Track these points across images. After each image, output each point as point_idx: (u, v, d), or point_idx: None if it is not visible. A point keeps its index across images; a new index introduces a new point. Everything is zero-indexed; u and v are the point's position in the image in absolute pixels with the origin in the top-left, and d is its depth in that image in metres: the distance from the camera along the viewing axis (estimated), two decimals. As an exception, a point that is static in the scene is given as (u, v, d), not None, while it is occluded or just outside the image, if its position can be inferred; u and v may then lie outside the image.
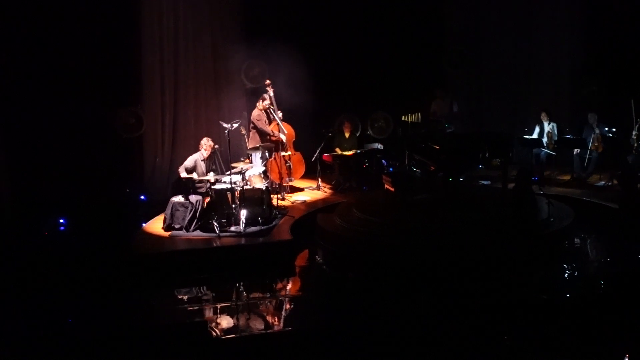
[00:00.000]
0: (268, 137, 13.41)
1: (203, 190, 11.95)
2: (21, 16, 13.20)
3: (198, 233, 11.45)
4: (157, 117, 14.80)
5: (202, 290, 10.16)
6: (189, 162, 11.92)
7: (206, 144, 12.04)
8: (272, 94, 13.63)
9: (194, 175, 11.84)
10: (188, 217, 11.50)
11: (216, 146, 12.59)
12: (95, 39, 13.89)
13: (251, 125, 13.42)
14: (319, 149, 14.42)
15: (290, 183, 14.16)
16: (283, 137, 13.67)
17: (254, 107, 13.67)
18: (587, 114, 14.52)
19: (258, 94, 13.80)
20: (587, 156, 14.27)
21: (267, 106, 13.50)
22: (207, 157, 12.07)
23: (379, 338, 7.85)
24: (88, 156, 14.00)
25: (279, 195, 13.34)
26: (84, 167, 13.89)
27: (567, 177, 14.60)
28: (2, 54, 12.98)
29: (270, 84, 13.70)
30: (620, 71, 14.94)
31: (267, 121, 13.54)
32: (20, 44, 13.22)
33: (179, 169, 11.94)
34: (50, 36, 13.48)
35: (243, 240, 11.16)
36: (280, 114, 13.69)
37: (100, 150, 14.22)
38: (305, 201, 13.67)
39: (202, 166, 11.98)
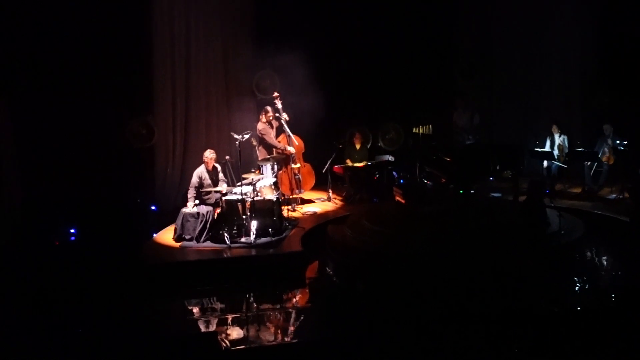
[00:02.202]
0: (278, 151, 13.45)
1: (211, 201, 11.97)
2: (33, 26, 13.25)
3: (208, 244, 11.45)
4: (169, 127, 14.82)
5: (212, 301, 10.17)
6: (193, 179, 11.98)
7: (207, 157, 12.05)
8: (280, 106, 13.63)
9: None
10: (199, 228, 11.51)
11: (227, 157, 12.65)
12: (107, 48, 13.93)
13: (258, 138, 13.44)
14: (330, 160, 14.42)
15: (301, 195, 14.17)
16: (291, 150, 13.69)
17: (263, 119, 13.73)
18: (602, 125, 14.47)
19: (269, 104, 13.79)
20: (597, 168, 14.26)
21: (271, 118, 13.52)
22: (212, 169, 12.09)
23: (388, 349, 7.84)
24: (99, 166, 14.04)
25: (289, 207, 13.36)
26: (96, 176, 13.92)
27: (578, 190, 14.56)
28: (16, 64, 13.02)
29: (279, 96, 13.72)
30: (632, 83, 14.89)
31: (273, 133, 13.58)
32: (33, 53, 13.26)
33: (188, 195, 11.94)
34: (62, 45, 13.51)
35: (253, 252, 11.15)
36: (285, 116, 13.70)
37: (112, 160, 14.26)
38: (315, 212, 13.67)
39: (207, 178, 12.01)
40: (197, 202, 11.85)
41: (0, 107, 12.63)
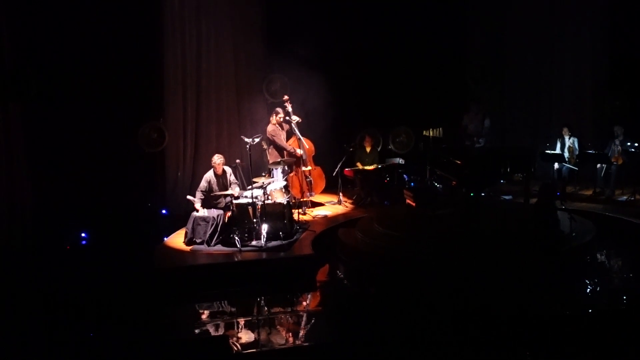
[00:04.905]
0: (288, 153, 13.47)
1: (222, 205, 12.01)
2: (46, 32, 13.29)
3: (219, 247, 11.44)
4: (179, 131, 14.84)
5: (223, 304, 10.18)
6: (202, 183, 12.03)
7: (215, 162, 12.06)
8: (290, 109, 13.65)
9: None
10: (209, 232, 11.51)
11: (237, 160, 12.66)
12: (118, 53, 13.96)
13: (268, 140, 13.45)
14: (340, 163, 14.41)
15: (311, 198, 14.17)
16: (300, 152, 13.70)
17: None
18: (614, 126, 14.41)
19: (279, 107, 13.79)
20: (606, 170, 14.21)
21: (281, 120, 13.54)
22: (221, 173, 12.11)
23: (399, 352, 7.83)
24: (110, 170, 14.06)
25: (300, 210, 13.35)
26: (107, 181, 13.95)
27: (589, 192, 14.52)
28: (29, 70, 13.05)
29: (289, 99, 13.73)
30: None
31: (283, 135, 13.60)
32: (45, 59, 13.27)
33: (195, 198, 11.99)
34: (73, 50, 13.54)
35: (264, 255, 11.15)
36: (296, 119, 13.72)
37: (123, 165, 14.28)
38: (326, 216, 13.66)
39: (215, 183, 12.04)
40: (201, 202, 11.90)
41: (13, 112, 12.65)
